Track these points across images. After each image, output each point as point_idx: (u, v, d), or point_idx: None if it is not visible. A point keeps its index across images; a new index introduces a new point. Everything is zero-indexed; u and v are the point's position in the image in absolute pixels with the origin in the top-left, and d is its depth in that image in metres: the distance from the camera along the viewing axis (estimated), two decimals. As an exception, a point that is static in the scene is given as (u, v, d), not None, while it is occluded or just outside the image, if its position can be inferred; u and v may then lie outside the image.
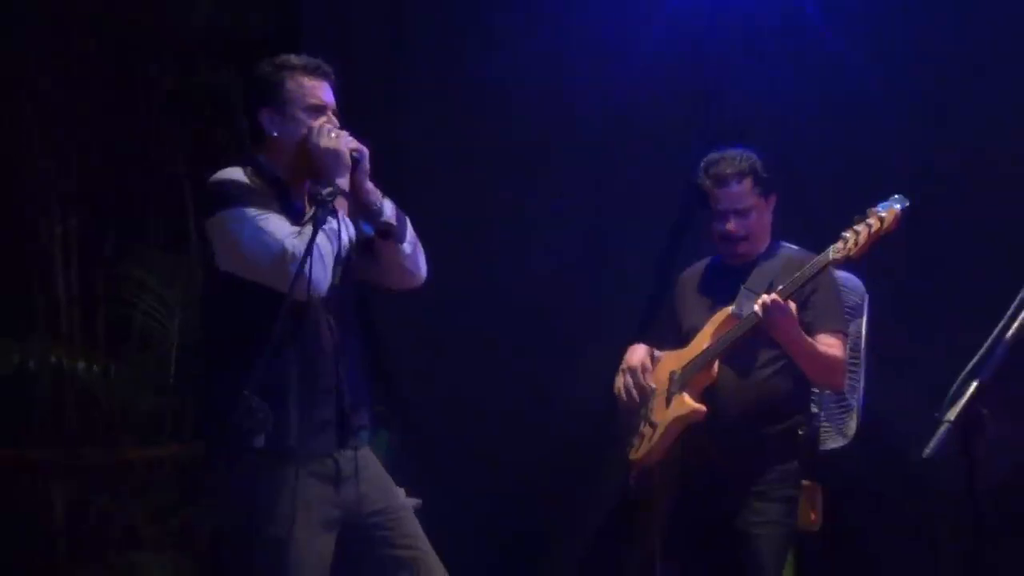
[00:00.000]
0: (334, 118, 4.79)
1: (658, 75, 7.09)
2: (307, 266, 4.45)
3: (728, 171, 5.81)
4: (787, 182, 6.00)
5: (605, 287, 7.30)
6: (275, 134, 4.74)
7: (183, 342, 7.50)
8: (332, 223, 4.55)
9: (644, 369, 6.00)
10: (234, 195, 4.62)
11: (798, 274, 5.63)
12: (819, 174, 6.89)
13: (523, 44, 7.12)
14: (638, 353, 6.08)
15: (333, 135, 4.66)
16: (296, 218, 4.67)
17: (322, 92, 4.81)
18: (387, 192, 4.92)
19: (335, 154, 4.65)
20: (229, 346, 4.65)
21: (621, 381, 6.00)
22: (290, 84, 4.75)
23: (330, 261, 4.55)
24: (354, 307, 4.94)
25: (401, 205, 5.01)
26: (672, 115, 7.10)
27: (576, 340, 7.22)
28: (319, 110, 4.76)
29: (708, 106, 7.06)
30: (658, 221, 7.23)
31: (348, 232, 4.64)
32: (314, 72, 4.78)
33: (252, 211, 4.56)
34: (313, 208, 4.58)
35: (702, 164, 5.89)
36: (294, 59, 4.78)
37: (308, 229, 4.50)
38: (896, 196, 5.55)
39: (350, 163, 4.66)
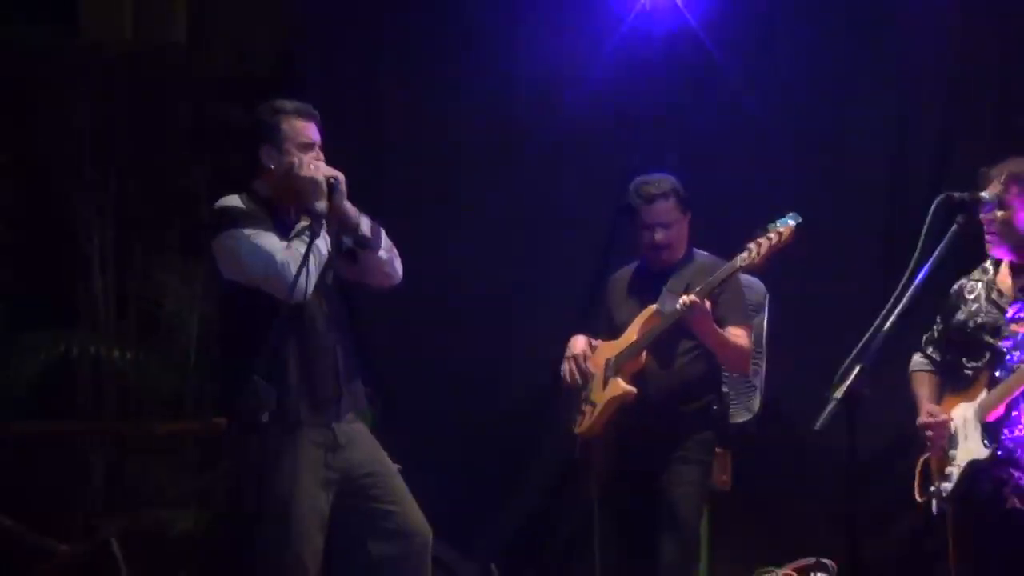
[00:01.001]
0: (319, 152, 4.91)
1: (605, 100, 7.23)
2: (298, 274, 4.56)
3: (654, 191, 5.89)
4: (701, 200, 6.09)
5: (552, 285, 7.40)
6: (271, 166, 4.87)
7: (201, 333, 7.61)
8: (316, 239, 4.68)
9: (585, 356, 6.05)
10: (232, 217, 4.76)
11: (711, 278, 5.71)
12: (727, 193, 7.00)
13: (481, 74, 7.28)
14: (580, 342, 6.12)
15: (312, 166, 4.76)
16: (286, 233, 4.80)
17: (310, 132, 4.92)
18: (368, 198, 5.02)
19: (314, 182, 4.75)
20: (239, 338, 4.75)
21: (567, 366, 6.04)
22: (284, 126, 4.87)
23: (314, 270, 4.66)
24: (341, 303, 5.02)
25: (380, 205, 5.13)
26: (614, 137, 7.24)
27: (527, 328, 7.34)
28: (308, 147, 4.87)
29: (643, 131, 7.18)
30: (593, 231, 7.36)
31: (327, 246, 4.77)
32: (304, 115, 4.89)
33: (248, 230, 4.69)
34: (300, 225, 4.73)
35: (632, 186, 5.96)
36: (287, 104, 4.89)
37: (296, 243, 4.64)
38: (791, 213, 5.64)
39: (326, 189, 4.73)
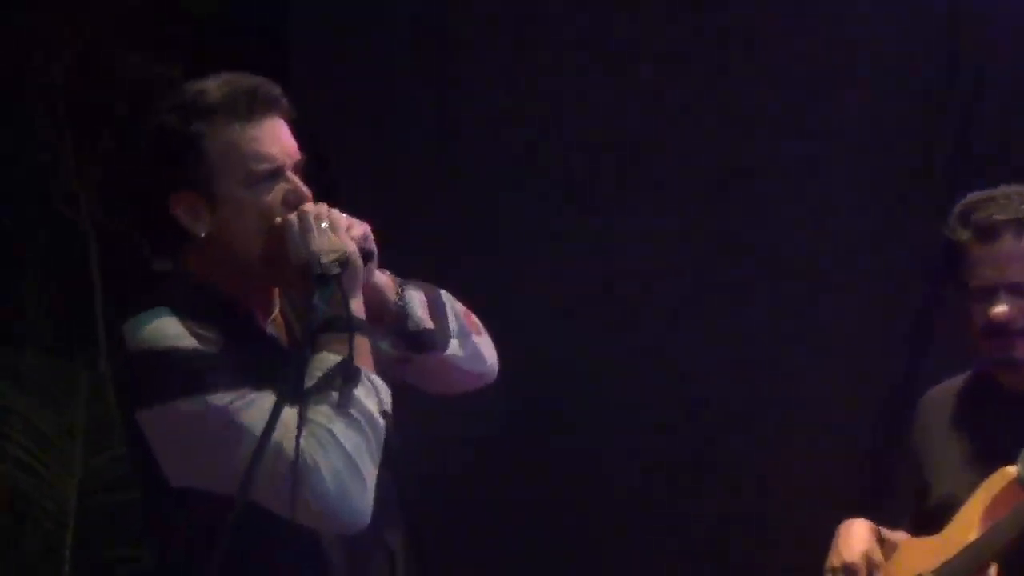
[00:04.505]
0: (299, 184, 2.92)
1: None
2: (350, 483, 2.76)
3: (1000, 218, 3.53)
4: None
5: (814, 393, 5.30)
6: (202, 233, 2.88)
7: (84, 523, 5.05)
8: (359, 393, 2.76)
9: (872, 565, 3.63)
10: (183, 375, 2.82)
11: None
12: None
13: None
14: (859, 535, 3.65)
15: (324, 224, 2.84)
16: (263, 352, 2.88)
17: (274, 142, 2.90)
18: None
19: (344, 260, 2.83)
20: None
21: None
22: (215, 142, 2.87)
23: (372, 468, 2.80)
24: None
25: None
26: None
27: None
28: (273, 174, 2.88)
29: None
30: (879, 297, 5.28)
31: (383, 397, 2.85)
32: (257, 109, 2.89)
33: (222, 398, 2.78)
34: (315, 364, 2.78)
35: (957, 207, 3.63)
36: (212, 90, 2.87)
37: (321, 414, 2.76)
38: None
39: (362, 265, 2.87)
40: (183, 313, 2.82)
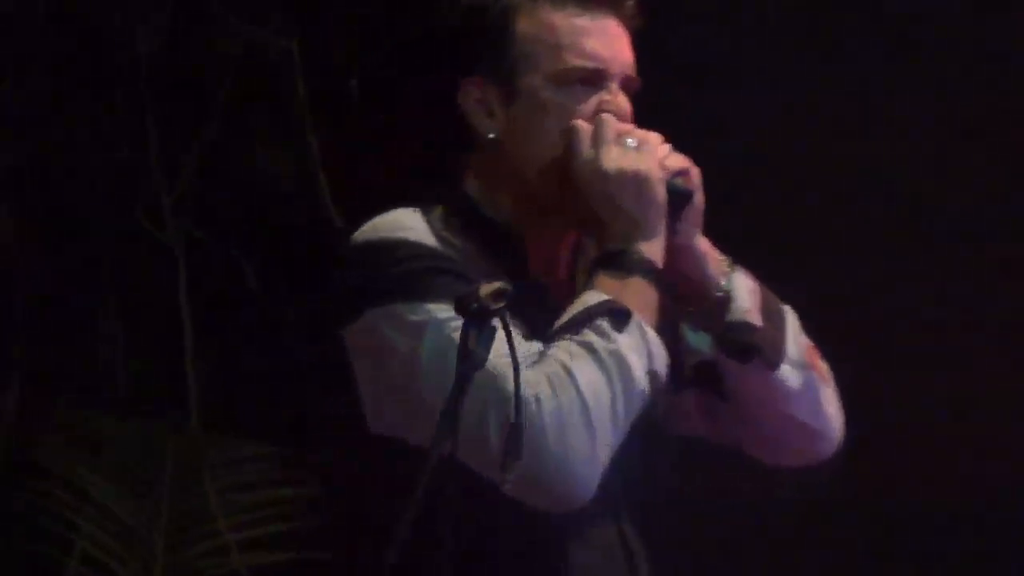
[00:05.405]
0: (623, 99, 2.46)
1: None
2: (559, 440, 2.27)
3: None
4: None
5: None
6: (491, 135, 2.46)
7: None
8: (621, 340, 2.32)
9: None
10: (405, 273, 2.38)
11: None
12: None
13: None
14: None
15: (632, 144, 2.43)
16: (542, 315, 2.40)
17: (598, 41, 2.50)
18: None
19: (640, 185, 2.39)
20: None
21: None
22: (530, 26, 2.48)
23: (610, 429, 2.33)
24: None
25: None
26: None
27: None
28: (593, 80, 2.48)
29: None
30: None
31: (655, 352, 2.36)
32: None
33: (443, 309, 2.31)
34: (577, 306, 2.36)
35: None
36: None
37: (562, 349, 2.32)
38: None
39: (666, 204, 2.40)
40: (430, 216, 2.44)
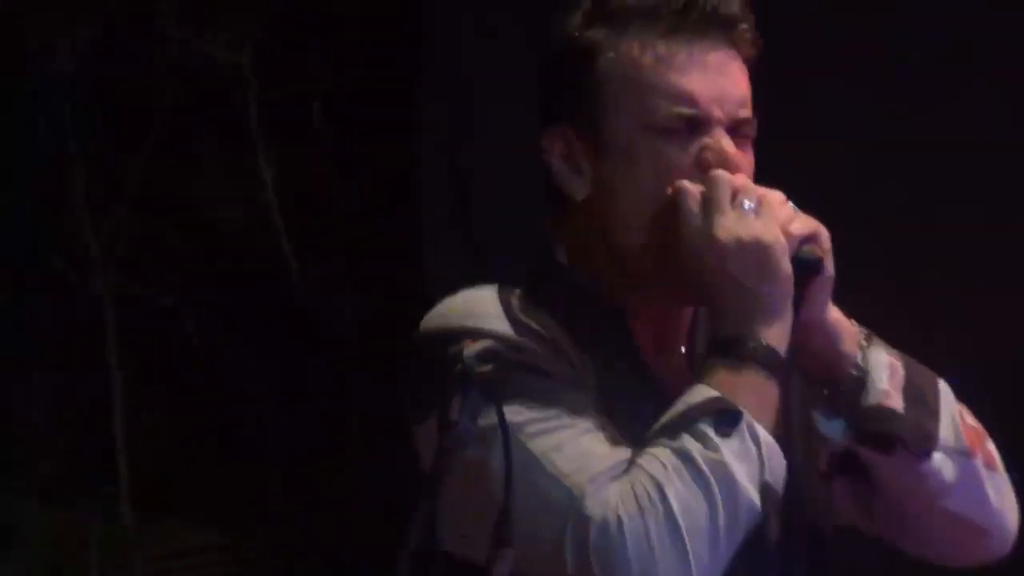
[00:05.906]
0: (728, 143, 2.17)
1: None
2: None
3: None
4: None
5: None
6: (579, 196, 2.25)
7: None
8: (726, 447, 2.11)
9: None
10: (496, 374, 2.11)
11: None
12: None
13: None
14: None
15: (750, 206, 2.17)
16: (648, 403, 2.14)
17: (697, 77, 2.25)
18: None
19: (762, 258, 2.17)
20: None
21: None
22: (607, 63, 2.21)
23: (707, 553, 2.09)
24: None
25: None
26: None
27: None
28: (692, 124, 2.20)
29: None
30: None
31: (771, 465, 2.12)
32: (678, 24, 2.16)
33: (515, 412, 2.08)
34: (680, 400, 2.13)
35: None
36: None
37: (656, 458, 2.10)
38: None
39: (792, 278, 2.14)
40: (514, 300, 2.22)
